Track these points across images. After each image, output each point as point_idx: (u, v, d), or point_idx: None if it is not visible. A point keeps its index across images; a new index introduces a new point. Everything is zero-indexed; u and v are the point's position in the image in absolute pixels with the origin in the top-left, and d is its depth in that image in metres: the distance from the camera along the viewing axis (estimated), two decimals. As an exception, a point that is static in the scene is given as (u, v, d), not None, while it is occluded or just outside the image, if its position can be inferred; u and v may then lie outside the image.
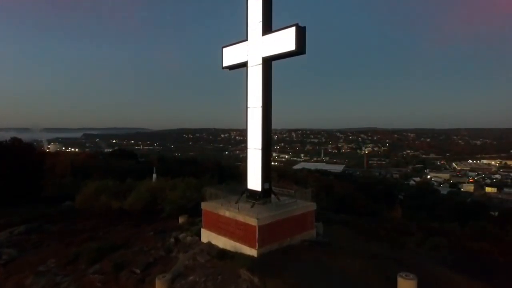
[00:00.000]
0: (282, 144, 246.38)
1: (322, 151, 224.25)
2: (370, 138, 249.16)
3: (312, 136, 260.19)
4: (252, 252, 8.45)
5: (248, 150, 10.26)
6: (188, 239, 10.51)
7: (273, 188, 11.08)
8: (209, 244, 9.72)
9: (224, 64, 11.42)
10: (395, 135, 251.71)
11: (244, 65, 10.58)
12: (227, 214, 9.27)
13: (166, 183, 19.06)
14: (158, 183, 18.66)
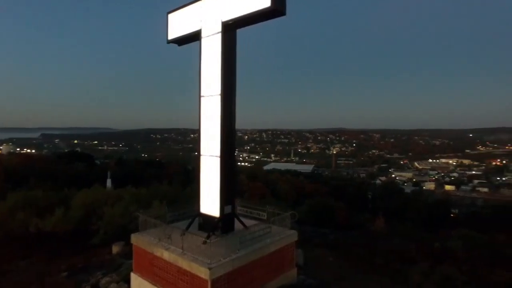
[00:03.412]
0: (253, 144, 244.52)
1: (292, 151, 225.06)
2: (338, 138, 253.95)
3: (283, 137, 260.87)
4: (203, 320, 5.36)
5: (201, 158, 7.11)
6: (112, 287, 7.18)
7: (238, 208, 8.03)
8: (141, 298, 6.49)
9: (170, 37, 8.16)
10: (362, 136, 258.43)
11: (197, 36, 7.43)
12: (166, 256, 6.07)
13: (108, 193, 15.37)
14: (95, 195, 14.90)
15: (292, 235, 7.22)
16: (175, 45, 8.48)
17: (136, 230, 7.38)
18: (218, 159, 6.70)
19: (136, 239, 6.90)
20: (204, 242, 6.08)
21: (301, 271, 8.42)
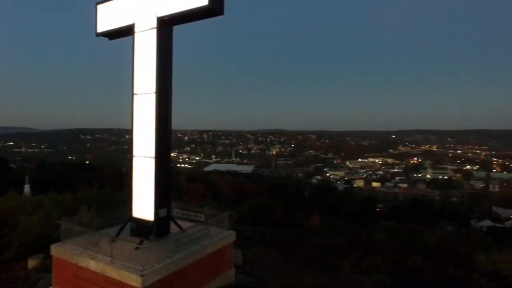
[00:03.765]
0: (193, 145, 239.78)
1: (233, 152, 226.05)
2: (277, 139, 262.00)
3: (224, 137, 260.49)
4: (134, 331, 5.05)
5: (134, 159, 6.72)
6: (28, 307, 6.39)
7: (174, 211, 7.77)
8: (64, 315, 5.88)
9: (100, 29, 7.55)
10: (300, 137, 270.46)
11: (130, 30, 7.00)
12: (92, 265, 5.59)
13: (25, 200, 13.65)
14: (7, 203, 13.15)
15: (230, 236, 7.21)
16: (106, 39, 7.90)
17: (59, 240, 6.67)
18: (153, 160, 6.39)
19: (56, 250, 6.23)
20: (136, 248, 5.73)
21: (240, 270, 8.46)
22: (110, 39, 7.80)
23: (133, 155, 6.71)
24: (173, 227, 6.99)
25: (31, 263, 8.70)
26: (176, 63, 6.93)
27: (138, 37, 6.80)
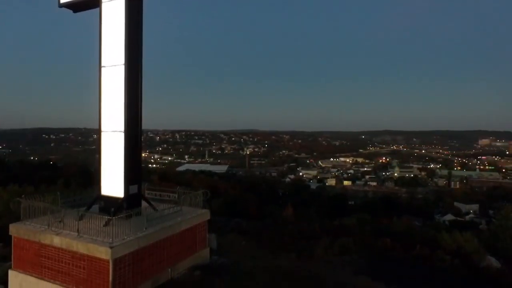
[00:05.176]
0: (165, 145, 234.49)
1: (207, 152, 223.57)
2: (251, 139, 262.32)
3: (197, 137, 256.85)
4: (103, 307, 4.80)
5: (103, 135, 6.41)
6: (-16, 292, 5.90)
7: (146, 192, 7.51)
8: (24, 297, 5.48)
9: (63, 0, 7.17)
10: (273, 137, 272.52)
11: (96, 1, 6.68)
12: (57, 242, 5.26)
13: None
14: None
15: (204, 214, 7.08)
16: (70, 14, 7.49)
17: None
18: (122, 134, 6.14)
19: (16, 229, 5.81)
20: (105, 224, 5.47)
21: (214, 253, 8.34)
22: (74, 11, 7.40)
23: (101, 130, 6.41)
24: (145, 208, 6.75)
25: (-13, 252, 8.07)
26: (144, 62, 6.59)
27: (105, 7, 6.50)
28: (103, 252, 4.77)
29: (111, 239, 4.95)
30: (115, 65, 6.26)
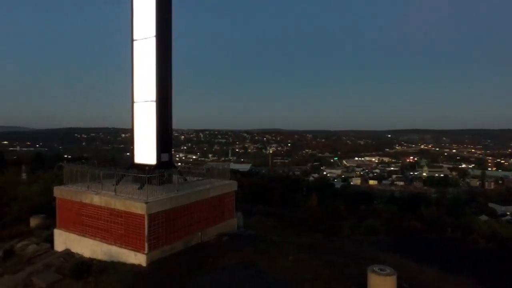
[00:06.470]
0: (190, 144, 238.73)
1: (230, 151, 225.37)
2: (274, 138, 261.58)
3: (220, 137, 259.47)
4: (139, 259, 5.06)
5: (135, 105, 6.75)
6: (31, 248, 6.37)
7: (177, 165, 7.80)
8: (67, 253, 5.87)
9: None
10: (296, 136, 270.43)
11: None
12: (96, 200, 5.61)
13: (20, 177, 13.61)
14: (6, 178, 13.13)
15: (231, 184, 7.26)
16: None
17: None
18: (154, 104, 6.43)
19: (60, 191, 6.24)
20: (141, 186, 5.77)
21: (241, 228, 8.51)
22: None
23: (134, 101, 6.74)
24: (175, 178, 7.01)
25: (33, 221, 8.70)
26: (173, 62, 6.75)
27: (140, -15, 6.81)
28: (138, 207, 5.04)
29: (145, 197, 5.20)
30: (146, 38, 6.56)
